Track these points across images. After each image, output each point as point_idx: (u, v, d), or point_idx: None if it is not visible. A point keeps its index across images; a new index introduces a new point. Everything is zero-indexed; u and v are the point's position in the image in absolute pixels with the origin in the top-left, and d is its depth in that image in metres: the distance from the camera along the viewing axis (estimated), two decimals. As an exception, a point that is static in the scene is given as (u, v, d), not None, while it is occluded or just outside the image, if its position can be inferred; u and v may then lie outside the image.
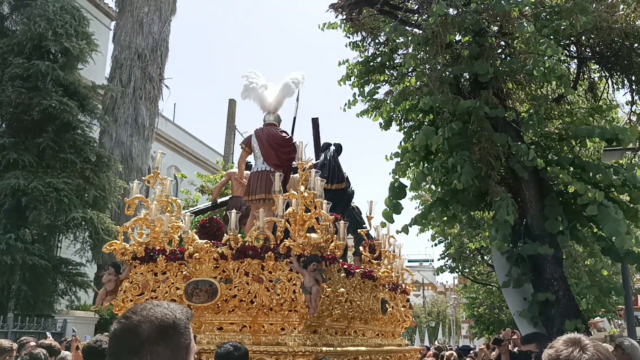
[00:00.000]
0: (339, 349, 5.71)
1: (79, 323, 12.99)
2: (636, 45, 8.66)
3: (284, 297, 5.51)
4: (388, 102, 9.82)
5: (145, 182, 6.72)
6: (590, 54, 9.44)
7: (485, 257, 19.05)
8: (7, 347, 4.73)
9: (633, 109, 9.54)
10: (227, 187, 9.35)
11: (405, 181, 9.14)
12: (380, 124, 9.93)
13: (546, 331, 7.88)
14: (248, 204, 6.98)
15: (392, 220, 8.89)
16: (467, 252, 18.86)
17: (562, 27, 7.84)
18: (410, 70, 9.12)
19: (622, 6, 8.40)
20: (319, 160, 7.70)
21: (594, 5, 8.02)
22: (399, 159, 9.11)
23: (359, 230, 7.61)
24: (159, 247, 6.20)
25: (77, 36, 14.35)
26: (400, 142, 9.70)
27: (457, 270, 20.37)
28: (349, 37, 10.36)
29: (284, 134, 7.09)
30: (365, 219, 7.67)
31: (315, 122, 8.34)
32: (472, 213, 9.59)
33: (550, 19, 8.17)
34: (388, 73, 10.30)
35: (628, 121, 9.65)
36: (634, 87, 9.14)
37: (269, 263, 5.70)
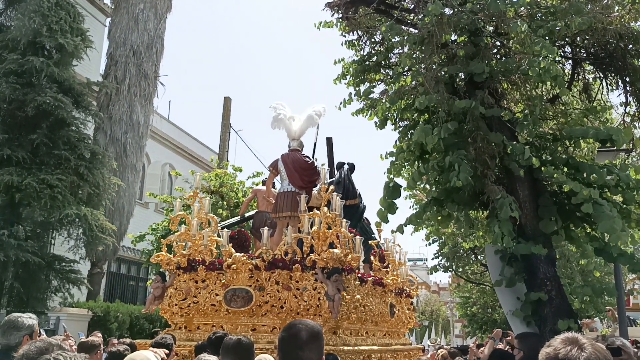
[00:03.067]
0: (355, 348, 6.40)
1: (72, 320, 12.98)
2: (630, 46, 8.69)
3: (310, 303, 6.39)
4: (383, 101, 9.82)
5: (186, 200, 7.89)
6: (585, 55, 9.47)
7: (478, 257, 19.12)
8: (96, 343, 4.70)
9: (627, 110, 9.58)
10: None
11: (400, 181, 9.16)
12: (376, 123, 9.93)
13: (539, 331, 7.92)
14: (275, 220, 7.88)
15: (386, 220, 8.92)
16: (461, 251, 18.93)
17: (558, 28, 7.86)
18: (405, 69, 9.14)
19: (616, 7, 8.43)
20: (334, 178, 8.51)
21: (589, 7, 8.05)
22: (393, 159, 9.11)
23: (369, 242, 8.41)
24: (199, 258, 7.08)
25: (72, 32, 14.29)
26: (396, 142, 9.71)
27: (450, 269, 20.44)
28: (344, 36, 10.37)
29: (307, 159, 8.07)
30: (375, 231, 8.75)
31: (329, 141, 9.26)
32: (467, 212, 9.61)
33: (545, 20, 8.19)
34: (384, 72, 10.30)
35: (622, 122, 9.69)
36: (628, 88, 9.17)
37: (296, 274, 6.56)
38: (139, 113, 19.09)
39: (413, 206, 15.06)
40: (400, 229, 8.91)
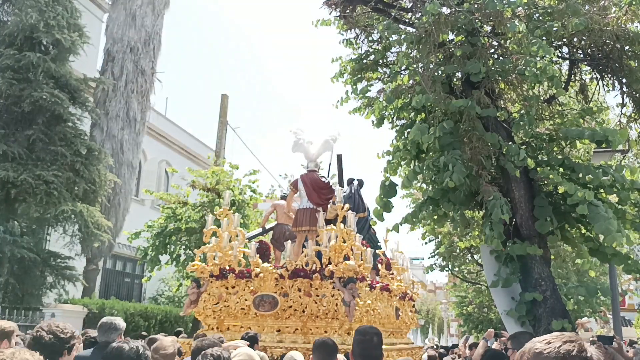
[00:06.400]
0: None
1: (67, 317, 12.93)
2: (627, 48, 8.70)
3: (328, 308, 7.24)
4: (380, 99, 9.83)
5: (217, 216, 8.66)
6: (581, 56, 9.48)
7: (474, 256, 19.11)
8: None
9: (623, 111, 9.60)
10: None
11: (397, 179, 9.18)
12: (373, 121, 9.94)
13: (533, 330, 7.94)
14: (295, 233, 8.82)
15: (382, 219, 8.95)
16: (457, 251, 18.91)
17: (555, 29, 7.87)
18: (403, 68, 9.14)
19: (613, 9, 8.44)
20: (345, 193, 9.23)
21: (586, 7, 8.06)
22: (390, 157, 9.13)
23: (376, 250, 9.17)
24: (229, 267, 8.02)
25: (69, 28, 14.23)
26: (392, 141, 9.72)
27: (446, 268, 20.42)
28: (342, 34, 10.37)
29: (323, 179, 8.98)
30: (382, 241, 9.69)
31: (339, 158, 10.11)
32: (463, 212, 9.62)
33: (542, 20, 8.20)
34: (381, 71, 10.31)
35: (618, 123, 9.71)
36: (624, 89, 9.18)
37: (316, 282, 7.41)
38: (136, 109, 19.05)
39: (410, 205, 15.06)
40: (396, 228, 8.93)
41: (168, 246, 15.85)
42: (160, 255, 15.99)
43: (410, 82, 9.05)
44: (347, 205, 8.11)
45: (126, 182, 18.52)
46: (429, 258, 20.11)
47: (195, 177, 16.69)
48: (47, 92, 13.10)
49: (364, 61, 10.17)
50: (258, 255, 8.22)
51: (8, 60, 13.12)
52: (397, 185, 8.94)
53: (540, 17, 8.36)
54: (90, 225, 13.38)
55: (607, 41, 8.50)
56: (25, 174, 12.35)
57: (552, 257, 10.32)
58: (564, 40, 9.00)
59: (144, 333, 13.37)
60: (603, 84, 9.53)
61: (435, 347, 15.11)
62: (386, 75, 10.11)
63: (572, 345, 1.58)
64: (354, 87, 10.02)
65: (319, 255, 7.64)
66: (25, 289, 12.93)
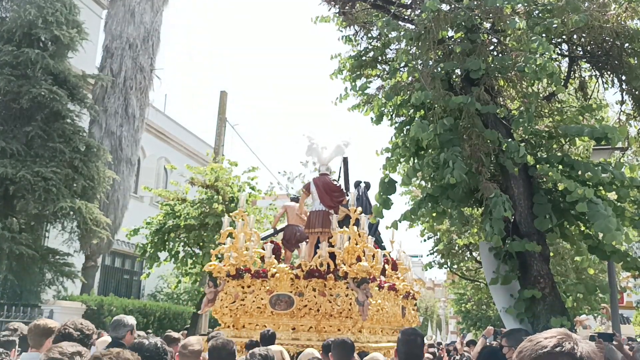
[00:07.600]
0: (379, 345, 7.55)
1: (65, 313, 12.94)
2: (627, 45, 8.68)
3: (342, 307, 7.54)
4: (379, 96, 9.81)
5: (233, 217, 8.96)
6: (581, 53, 9.46)
7: (473, 254, 19.10)
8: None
9: (623, 109, 9.58)
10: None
11: (396, 177, 9.15)
12: (372, 118, 9.92)
13: (532, 328, 7.94)
14: (307, 234, 9.10)
15: (381, 216, 8.92)
16: (456, 248, 18.90)
17: (554, 25, 7.85)
18: (402, 65, 9.11)
19: (613, 5, 8.41)
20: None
21: (586, 4, 8.04)
22: (389, 155, 9.10)
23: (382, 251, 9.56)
24: (245, 268, 8.33)
25: (68, 24, 14.21)
26: (391, 138, 9.70)
27: (445, 266, 20.42)
28: (341, 31, 10.34)
29: (335, 182, 9.36)
30: (388, 242, 10.08)
31: (345, 161, 10.42)
32: (462, 209, 9.61)
33: (542, 17, 8.18)
34: (380, 68, 10.28)
35: (618, 120, 9.69)
36: (624, 86, 9.16)
37: (330, 282, 7.72)
38: (135, 106, 19.03)
39: (409, 202, 15.05)
40: (394, 225, 8.91)
41: (167, 243, 15.84)
42: (159, 252, 15.98)
43: (410, 78, 9.03)
44: (359, 209, 8.38)
45: (125, 179, 18.52)
46: (427, 255, 20.10)
47: (194, 174, 16.66)
48: (45, 88, 13.07)
49: (363, 58, 10.14)
50: (273, 256, 8.52)
51: (6, 57, 13.09)
52: (397, 182, 8.93)
53: (540, 14, 8.33)
54: (89, 222, 13.37)
55: (607, 38, 8.48)
56: (23, 170, 12.33)
57: (551, 254, 10.32)
58: (564, 37, 8.98)
59: (149, 331, 13.38)
60: (602, 81, 9.51)
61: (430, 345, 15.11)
62: (385, 72, 10.09)
63: (549, 340, 1.54)
64: (353, 84, 9.99)
65: (332, 256, 7.86)
66: (24, 286, 12.93)
